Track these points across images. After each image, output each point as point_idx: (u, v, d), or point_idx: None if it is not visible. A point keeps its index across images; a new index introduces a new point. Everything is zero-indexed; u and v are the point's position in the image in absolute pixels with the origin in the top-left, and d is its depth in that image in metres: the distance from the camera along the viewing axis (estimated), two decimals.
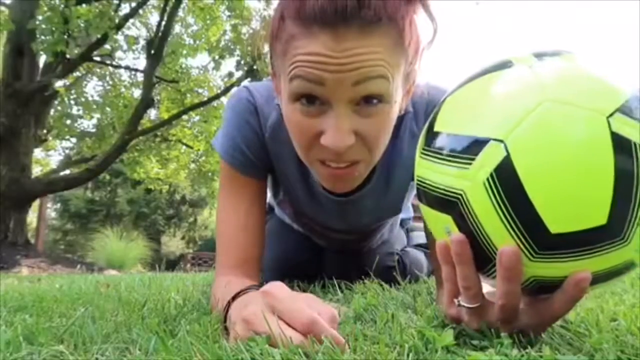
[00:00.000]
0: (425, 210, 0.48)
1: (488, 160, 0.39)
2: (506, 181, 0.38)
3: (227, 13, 8.08)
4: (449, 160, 0.42)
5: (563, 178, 0.37)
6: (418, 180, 0.48)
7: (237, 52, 7.79)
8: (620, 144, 0.37)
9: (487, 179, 0.39)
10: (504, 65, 0.44)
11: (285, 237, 1.11)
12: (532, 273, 0.41)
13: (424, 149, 0.47)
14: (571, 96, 0.38)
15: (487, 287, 0.48)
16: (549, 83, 0.40)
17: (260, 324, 0.44)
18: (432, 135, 0.46)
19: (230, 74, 8.09)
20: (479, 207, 0.40)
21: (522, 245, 0.39)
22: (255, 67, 7.37)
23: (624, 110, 0.38)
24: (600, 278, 0.41)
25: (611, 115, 0.37)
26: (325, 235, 1.01)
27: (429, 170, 0.45)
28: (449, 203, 0.43)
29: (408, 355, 0.39)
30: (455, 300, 0.48)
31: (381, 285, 0.91)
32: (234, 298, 0.58)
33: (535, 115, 0.38)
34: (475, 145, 0.40)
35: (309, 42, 0.56)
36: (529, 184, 0.38)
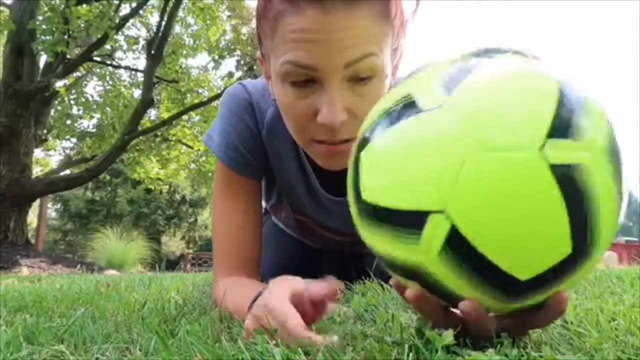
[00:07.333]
0: (390, 271, 0.45)
1: (434, 234, 0.36)
2: (461, 251, 0.36)
3: (227, 13, 8.09)
4: (393, 234, 0.39)
5: (517, 231, 0.35)
6: (369, 244, 0.45)
7: (237, 52, 7.79)
8: (561, 173, 0.34)
9: (440, 252, 0.37)
10: (411, 110, 0.39)
11: (282, 240, 1.10)
12: (512, 308, 0.41)
13: (360, 216, 0.43)
14: (496, 137, 0.35)
15: None
16: (466, 126, 0.36)
17: (264, 320, 0.45)
18: (362, 204, 0.42)
19: (230, 74, 8.11)
20: (443, 276, 0.38)
21: (497, 298, 0.38)
22: (255, 67, 7.37)
23: (555, 131, 0.35)
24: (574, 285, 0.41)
25: (543, 145, 0.34)
26: (324, 236, 1.01)
27: (377, 241, 0.42)
28: (411, 273, 0.40)
29: (408, 354, 0.39)
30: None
31: (381, 285, 0.91)
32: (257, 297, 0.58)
33: (466, 173, 0.35)
34: (415, 220, 0.37)
35: (298, 17, 0.56)
36: (486, 248, 0.35)
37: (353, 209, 0.45)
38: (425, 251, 0.38)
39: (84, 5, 5.96)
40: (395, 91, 0.43)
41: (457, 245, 0.36)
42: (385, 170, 0.40)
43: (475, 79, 0.38)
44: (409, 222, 0.38)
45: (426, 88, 0.40)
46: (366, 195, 0.41)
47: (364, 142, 0.43)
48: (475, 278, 0.37)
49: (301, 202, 0.90)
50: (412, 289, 0.42)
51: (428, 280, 0.40)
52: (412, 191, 0.37)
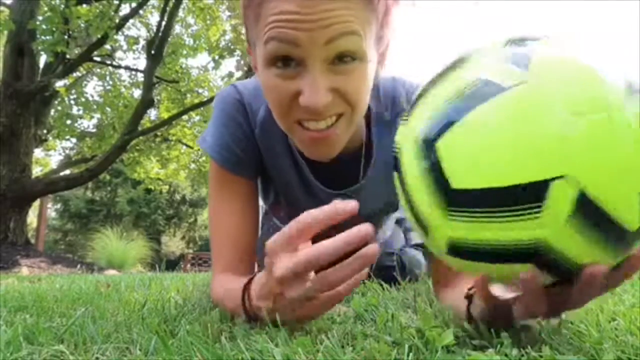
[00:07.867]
0: (484, 266, 0.42)
1: (561, 201, 0.36)
2: (590, 214, 0.36)
3: (227, 13, 8.09)
4: (503, 215, 0.38)
5: (631, 184, 0.36)
6: (460, 242, 0.41)
7: (237, 52, 7.79)
8: None
9: (568, 220, 0.36)
10: (491, 90, 0.39)
11: None
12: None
13: (451, 210, 0.40)
14: (591, 101, 0.37)
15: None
16: (559, 95, 0.37)
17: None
18: (453, 193, 0.40)
19: (230, 74, 8.09)
20: (568, 246, 0.38)
21: (610, 257, 0.39)
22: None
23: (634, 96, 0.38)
24: None
25: (631, 106, 0.37)
26: (321, 235, 1.01)
27: (479, 231, 0.40)
28: (525, 255, 0.39)
29: (408, 354, 0.39)
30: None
31: (381, 285, 0.91)
32: (249, 282, 0.60)
33: (581, 135, 0.35)
34: (533, 192, 0.36)
35: (282, 2, 0.57)
36: (610, 207, 0.36)
37: (436, 207, 0.41)
38: (549, 223, 0.37)
39: (84, 5, 5.96)
40: (454, 79, 0.42)
41: (586, 209, 0.36)
42: (478, 150, 0.38)
43: (542, 57, 0.39)
44: (524, 196, 0.36)
45: (497, 69, 0.40)
46: (457, 183, 0.39)
47: (436, 132, 0.41)
48: (601, 240, 0.37)
49: (297, 198, 0.90)
50: (528, 271, 0.39)
51: (548, 256, 0.38)
52: (524, 164, 0.37)
